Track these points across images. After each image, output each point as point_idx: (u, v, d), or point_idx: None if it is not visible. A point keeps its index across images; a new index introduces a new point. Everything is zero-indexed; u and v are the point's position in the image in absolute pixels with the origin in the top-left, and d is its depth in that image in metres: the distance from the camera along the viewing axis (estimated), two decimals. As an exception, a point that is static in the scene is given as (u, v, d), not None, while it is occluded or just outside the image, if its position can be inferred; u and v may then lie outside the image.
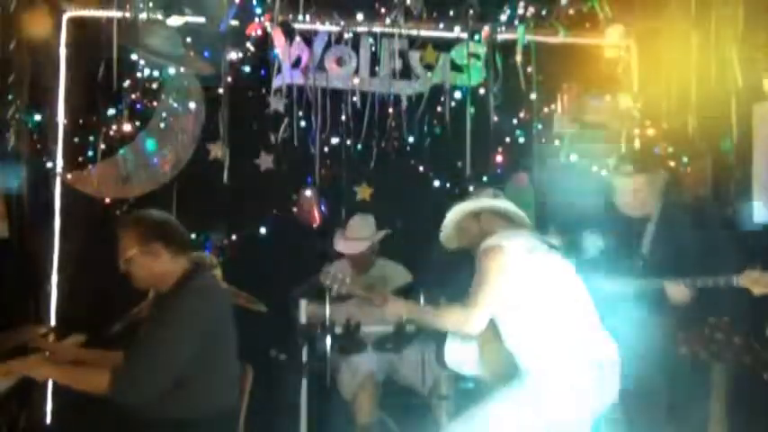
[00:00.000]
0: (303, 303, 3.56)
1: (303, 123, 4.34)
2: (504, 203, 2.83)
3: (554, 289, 2.62)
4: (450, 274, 3.34)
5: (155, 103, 4.28)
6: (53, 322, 4.04)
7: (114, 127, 4.18)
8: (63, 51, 4.15)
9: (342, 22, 4.28)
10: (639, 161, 3.34)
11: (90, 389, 2.44)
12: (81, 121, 4.20)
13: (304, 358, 3.51)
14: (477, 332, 2.60)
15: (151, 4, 3.91)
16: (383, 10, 4.24)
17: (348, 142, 4.40)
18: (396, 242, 4.20)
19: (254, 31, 4.14)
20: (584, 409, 2.58)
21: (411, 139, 4.45)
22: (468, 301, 2.60)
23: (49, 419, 4.02)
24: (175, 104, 4.28)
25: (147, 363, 2.40)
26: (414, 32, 4.33)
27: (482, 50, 4.37)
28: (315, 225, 4.48)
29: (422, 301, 3.45)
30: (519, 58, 4.27)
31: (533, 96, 4.41)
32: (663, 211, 3.28)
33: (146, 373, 2.40)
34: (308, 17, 4.23)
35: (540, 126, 4.53)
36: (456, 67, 4.45)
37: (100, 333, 3.27)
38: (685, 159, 4.22)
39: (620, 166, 3.32)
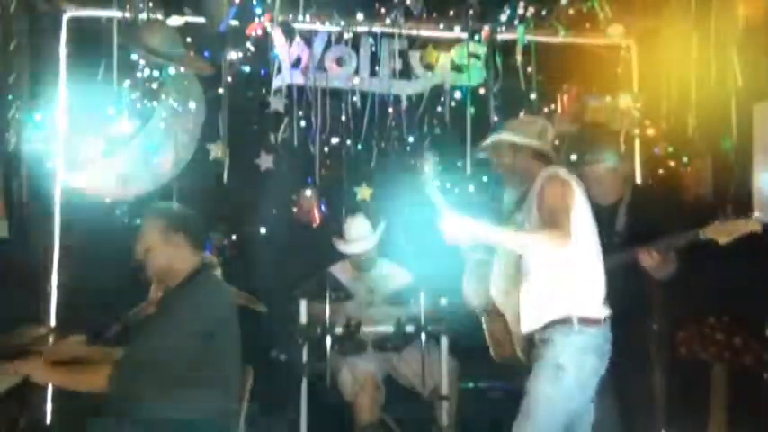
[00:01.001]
0: (303, 303, 3.56)
1: (303, 123, 4.34)
2: (545, 145, 2.86)
3: (594, 237, 2.74)
4: (450, 275, 3.35)
5: (155, 103, 4.27)
6: (53, 322, 4.04)
7: (114, 127, 4.17)
8: (63, 51, 4.15)
9: (342, 22, 4.27)
10: (603, 153, 3.41)
11: (89, 388, 2.44)
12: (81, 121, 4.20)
13: (304, 358, 3.52)
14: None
15: (151, 5, 3.91)
16: (383, 10, 4.24)
17: (348, 142, 4.40)
18: (396, 242, 4.20)
19: (254, 31, 4.14)
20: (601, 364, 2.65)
21: (411, 139, 4.45)
22: (551, 227, 2.60)
23: (48, 419, 4.02)
24: (175, 104, 4.28)
25: (148, 358, 2.41)
26: (414, 32, 4.33)
27: (482, 50, 4.37)
28: (315, 225, 4.48)
29: (422, 300, 3.47)
30: (519, 58, 4.27)
31: (533, 96, 4.41)
32: (633, 194, 3.43)
33: (146, 369, 2.40)
34: (308, 17, 4.23)
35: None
36: (456, 67, 4.44)
37: (100, 333, 3.27)
38: (685, 159, 4.22)
39: (586, 158, 3.39)
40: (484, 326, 3.07)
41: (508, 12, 4.24)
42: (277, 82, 4.27)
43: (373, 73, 4.39)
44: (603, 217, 3.33)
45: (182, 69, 4.21)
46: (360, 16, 4.27)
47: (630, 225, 3.39)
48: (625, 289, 3.22)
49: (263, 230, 4.46)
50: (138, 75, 4.13)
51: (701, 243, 2.99)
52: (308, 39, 4.28)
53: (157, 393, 2.41)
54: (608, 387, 3.43)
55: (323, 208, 4.49)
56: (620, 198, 3.45)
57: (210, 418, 2.50)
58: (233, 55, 4.17)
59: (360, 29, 4.31)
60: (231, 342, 2.62)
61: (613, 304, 3.20)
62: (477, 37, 4.30)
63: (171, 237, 2.58)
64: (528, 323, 2.74)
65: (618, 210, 3.43)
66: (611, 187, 3.41)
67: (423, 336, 3.46)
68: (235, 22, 4.08)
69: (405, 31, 4.30)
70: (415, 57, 4.40)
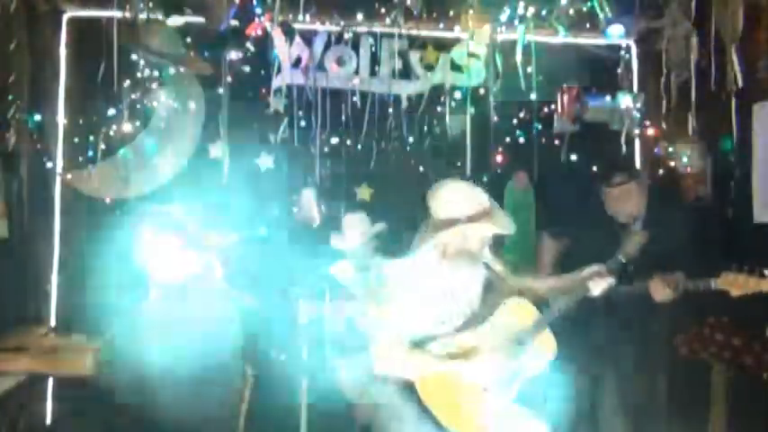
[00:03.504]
0: (303, 303, 3.56)
1: (303, 123, 4.34)
2: None
3: None
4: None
5: (155, 103, 4.28)
6: (53, 322, 4.04)
7: (114, 127, 4.18)
8: (63, 51, 4.15)
9: (342, 22, 4.27)
10: (626, 171, 3.39)
11: (72, 372, 2.45)
12: (81, 121, 4.21)
13: (304, 358, 3.52)
14: None
15: (151, 5, 3.91)
16: (383, 10, 4.24)
17: (348, 142, 4.40)
18: (396, 242, 4.19)
19: (254, 31, 4.14)
20: None
21: (411, 139, 4.45)
22: None
23: (49, 420, 4.02)
24: (175, 104, 4.28)
25: (135, 350, 2.42)
26: (414, 32, 4.33)
27: (482, 50, 4.37)
28: (315, 225, 4.48)
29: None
30: (519, 58, 4.26)
31: (533, 96, 4.41)
32: (648, 212, 3.37)
33: (148, 370, 2.41)
34: (308, 17, 4.23)
35: (539, 126, 4.53)
36: (456, 67, 4.44)
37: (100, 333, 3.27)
38: (685, 159, 4.22)
39: (609, 177, 3.36)
40: None
41: (508, 12, 4.23)
42: (277, 82, 4.27)
43: (373, 73, 4.39)
44: (618, 235, 3.33)
45: (182, 69, 4.21)
46: (360, 16, 4.27)
47: (645, 251, 3.22)
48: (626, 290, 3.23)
49: (262, 230, 4.46)
50: (138, 75, 4.13)
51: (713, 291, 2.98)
52: (308, 39, 4.28)
53: (158, 394, 2.42)
54: (609, 387, 3.45)
55: (323, 208, 4.49)
56: (636, 215, 3.40)
57: (211, 418, 2.50)
58: (233, 55, 4.17)
59: (360, 29, 4.31)
60: (231, 342, 2.63)
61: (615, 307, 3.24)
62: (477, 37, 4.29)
63: (167, 238, 2.62)
64: None
65: (632, 227, 3.38)
66: (631, 207, 3.38)
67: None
68: (235, 22, 4.08)
69: (405, 31, 4.30)
70: (415, 57, 4.40)
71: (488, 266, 2.79)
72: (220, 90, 4.17)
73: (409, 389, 2.60)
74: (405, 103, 4.41)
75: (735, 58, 3.48)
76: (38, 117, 4.04)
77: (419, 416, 2.59)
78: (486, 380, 2.61)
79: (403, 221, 4.34)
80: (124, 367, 2.41)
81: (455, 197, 2.65)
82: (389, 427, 2.66)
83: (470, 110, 4.42)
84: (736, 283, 2.88)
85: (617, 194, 3.36)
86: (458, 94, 4.47)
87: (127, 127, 4.18)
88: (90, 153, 4.20)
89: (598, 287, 2.76)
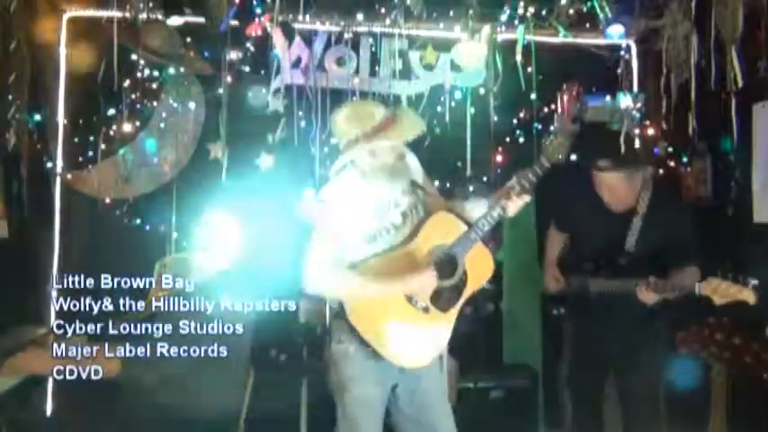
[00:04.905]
0: (303, 303, 3.56)
1: (303, 123, 4.34)
2: None
3: None
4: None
5: (155, 103, 4.28)
6: (53, 322, 4.04)
7: (114, 127, 4.18)
8: (63, 51, 4.16)
9: (342, 22, 4.28)
10: (620, 157, 3.33)
11: (99, 374, 2.46)
12: (81, 121, 4.21)
13: (304, 358, 3.52)
14: None
15: (151, 5, 3.91)
16: (383, 10, 4.24)
17: (348, 142, 4.39)
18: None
19: (254, 31, 4.14)
20: None
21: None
22: None
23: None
24: (175, 104, 4.28)
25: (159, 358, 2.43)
26: (414, 32, 4.33)
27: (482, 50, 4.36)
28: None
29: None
30: (519, 58, 4.26)
31: (533, 96, 4.41)
32: (650, 207, 3.26)
33: (153, 369, 2.42)
34: (308, 17, 4.23)
35: (539, 126, 4.53)
36: (456, 67, 4.44)
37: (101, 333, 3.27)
38: (685, 159, 4.23)
39: (602, 162, 3.28)
40: None
41: (508, 12, 4.23)
42: (277, 82, 4.27)
43: (373, 73, 4.38)
44: (614, 228, 3.28)
45: (182, 69, 4.21)
46: (360, 16, 4.27)
47: (642, 247, 3.24)
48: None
49: (262, 230, 4.46)
50: (138, 75, 4.14)
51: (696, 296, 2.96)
52: (308, 39, 4.28)
53: (162, 392, 2.42)
54: (608, 387, 3.46)
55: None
56: (634, 208, 3.26)
57: (210, 418, 2.51)
58: (233, 55, 4.17)
59: (360, 29, 4.31)
60: (232, 341, 2.63)
61: (615, 304, 3.24)
62: (477, 37, 4.29)
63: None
64: None
65: (631, 223, 3.25)
66: (625, 195, 3.24)
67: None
68: (235, 22, 4.08)
69: (405, 31, 4.30)
70: (415, 57, 4.40)
71: (415, 183, 2.71)
72: (220, 90, 4.18)
73: (340, 310, 2.58)
74: (405, 103, 4.41)
75: (735, 58, 3.48)
76: (38, 117, 4.04)
77: (348, 339, 2.58)
78: (424, 299, 2.54)
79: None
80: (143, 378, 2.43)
81: (350, 117, 2.63)
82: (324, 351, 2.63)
83: (470, 110, 4.42)
84: (718, 291, 2.86)
85: (602, 180, 3.24)
86: (458, 94, 4.47)
87: (127, 127, 4.19)
88: (90, 153, 4.20)
89: (513, 206, 2.60)
